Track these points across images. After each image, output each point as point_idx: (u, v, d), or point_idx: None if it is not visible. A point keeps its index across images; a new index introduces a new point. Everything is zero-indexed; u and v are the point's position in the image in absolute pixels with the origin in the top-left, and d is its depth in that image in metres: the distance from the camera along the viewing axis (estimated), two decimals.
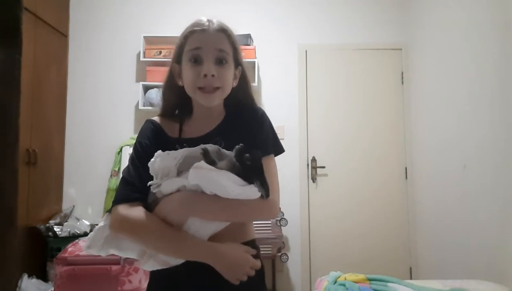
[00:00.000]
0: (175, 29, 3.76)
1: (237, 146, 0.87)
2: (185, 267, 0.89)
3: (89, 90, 3.39)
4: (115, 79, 3.40)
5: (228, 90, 0.99)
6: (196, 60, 0.95)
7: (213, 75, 0.94)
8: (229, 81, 0.99)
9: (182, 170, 0.88)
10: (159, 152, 0.89)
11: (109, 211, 0.93)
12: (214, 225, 0.89)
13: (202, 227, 0.88)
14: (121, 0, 3.48)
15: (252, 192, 0.86)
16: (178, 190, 0.88)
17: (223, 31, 0.98)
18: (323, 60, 3.45)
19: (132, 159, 0.96)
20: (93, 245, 0.92)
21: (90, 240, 0.93)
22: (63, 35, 3.33)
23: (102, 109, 3.37)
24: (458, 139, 2.50)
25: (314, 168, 3.32)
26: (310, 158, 3.34)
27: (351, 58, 3.43)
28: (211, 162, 0.84)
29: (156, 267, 0.90)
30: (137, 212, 0.88)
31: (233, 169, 0.86)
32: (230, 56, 0.98)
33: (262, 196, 0.87)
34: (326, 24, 3.47)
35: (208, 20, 0.98)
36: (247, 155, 0.86)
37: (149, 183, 0.90)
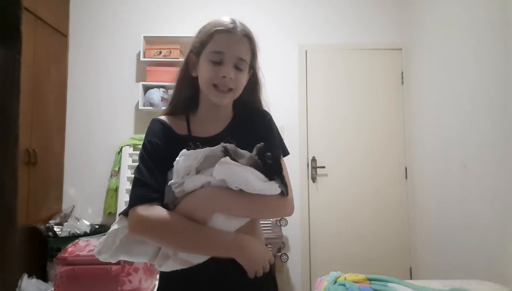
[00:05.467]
0: (175, 29, 3.74)
1: (258, 145, 0.90)
2: (202, 264, 0.89)
3: (89, 90, 3.39)
4: (115, 79, 3.40)
5: (239, 93, 1.02)
6: (217, 60, 0.97)
7: (231, 78, 0.97)
8: (243, 85, 1.02)
9: (200, 169, 0.89)
10: (184, 150, 0.90)
11: (123, 214, 0.92)
12: (236, 222, 0.90)
13: (226, 224, 0.89)
14: (121, 0, 3.48)
15: (274, 188, 0.89)
16: (202, 187, 0.88)
17: (247, 37, 1.00)
18: (323, 60, 3.45)
19: (143, 159, 0.94)
20: (104, 250, 0.91)
21: (102, 244, 0.91)
22: (63, 35, 3.33)
23: (102, 109, 3.37)
24: (458, 139, 2.50)
25: (314, 168, 3.32)
26: (310, 158, 3.34)
27: (351, 58, 3.43)
28: (233, 160, 0.86)
29: (176, 267, 0.89)
30: (158, 211, 0.88)
31: (255, 166, 0.88)
32: (247, 63, 1.01)
33: (282, 193, 0.91)
34: (326, 24, 3.47)
35: (233, 22, 0.99)
36: (268, 153, 0.89)
37: (171, 181, 0.89)
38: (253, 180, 0.86)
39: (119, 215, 0.94)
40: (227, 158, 0.85)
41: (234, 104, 1.07)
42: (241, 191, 0.87)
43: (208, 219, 0.87)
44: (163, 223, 0.86)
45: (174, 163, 0.89)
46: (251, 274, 0.90)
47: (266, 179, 0.89)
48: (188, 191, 0.88)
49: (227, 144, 0.89)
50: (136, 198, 0.89)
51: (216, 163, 0.86)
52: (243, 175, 0.86)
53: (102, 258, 0.91)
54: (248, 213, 0.91)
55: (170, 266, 0.89)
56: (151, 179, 0.91)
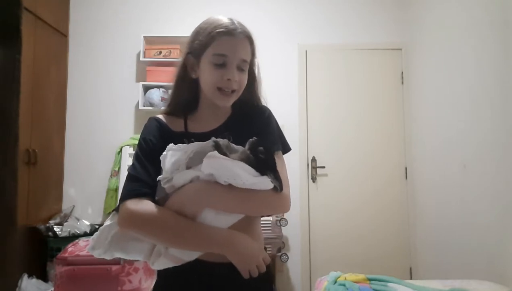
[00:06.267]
0: (175, 29, 3.74)
1: (250, 139, 0.89)
2: (196, 265, 0.88)
3: (89, 90, 3.39)
4: (115, 79, 3.40)
5: (241, 92, 1.02)
6: (221, 63, 0.96)
7: (235, 81, 0.97)
8: (244, 85, 1.02)
9: (191, 165, 0.87)
10: (171, 145, 0.89)
11: (115, 209, 0.92)
12: (228, 218, 0.88)
13: (217, 219, 0.87)
14: (121, 0, 3.48)
15: (266, 182, 0.87)
16: (191, 181, 0.87)
17: (249, 38, 1.00)
18: (323, 60, 3.45)
19: (137, 155, 0.95)
20: (97, 245, 0.90)
21: (95, 240, 0.91)
22: (63, 35, 3.33)
23: (102, 109, 3.37)
24: (458, 139, 2.50)
25: (314, 168, 3.32)
26: (310, 158, 3.34)
27: (351, 58, 3.43)
28: (223, 154, 0.85)
29: (168, 264, 0.87)
30: (147, 205, 0.87)
31: (247, 161, 0.86)
32: (248, 63, 1.01)
33: (275, 188, 0.89)
34: (326, 24, 3.47)
35: (233, 22, 0.98)
36: (261, 148, 0.87)
37: (159, 177, 0.88)
38: (242, 174, 0.84)
39: (112, 211, 0.93)
40: (215, 151, 0.83)
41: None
42: (230, 186, 0.85)
43: (197, 214, 0.86)
44: (151, 217, 0.85)
45: (161, 157, 0.88)
46: (245, 273, 0.88)
47: (257, 173, 0.87)
48: (178, 186, 0.87)
49: (219, 139, 0.87)
50: (126, 192, 0.89)
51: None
52: (232, 169, 0.84)
53: (96, 253, 0.90)
54: (238, 208, 0.88)
55: (162, 264, 0.88)
56: (144, 174, 0.91)
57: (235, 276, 0.88)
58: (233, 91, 0.98)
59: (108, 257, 0.91)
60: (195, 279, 0.90)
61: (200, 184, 0.86)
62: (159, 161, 0.90)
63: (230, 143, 0.89)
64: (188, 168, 0.87)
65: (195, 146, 0.88)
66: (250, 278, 0.88)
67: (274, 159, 0.90)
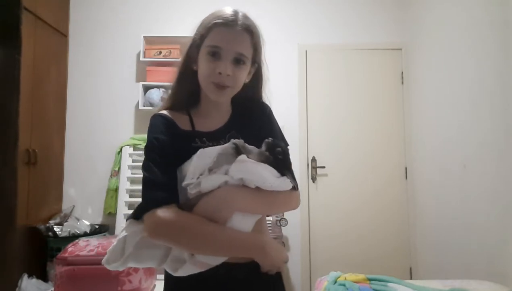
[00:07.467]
0: (175, 29, 3.73)
1: (266, 140, 0.90)
2: (216, 267, 0.87)
3: (89, 90, 3.39)
4: (115, 79, 3.40)
5: (238, 89, 0.99)
6: (214, 55, 0.93)
7: (228, 75, 0.93)
8: (242, 81, 0.98)
9: (212, 168, 0.87)
10: (201, 150, 0.88)
11: (133, 218, 0.89)
12: (252, 219, 0.90)
13: (244, 221, 0.87)
14: (121, 0, 3.48)
15: (286, 183, 0.90)
16: (218, 186, 0.86)
17: (248, 31, 0.95)
18: (323, 60, 3.45)
19: (152, 157, 0.89)
20: (113, 258, 0.87)
21: (110, 253, 0.88)
22: (63, 35, 3.33)
23: (102, 109, 3.37)
24: (458, 139, 2.50)
25: (314, 168, 3.32)
26: (310, 158, 3.34)
27: (351, 58, 3.43)
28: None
29: (194, 271, 0.85)
30: (178, 213, 0.84)
31: (267, 162, 0.88)
32: (248, 58, 0.96)
33: (293, 188, 0.92)
34: (326, 24, 3.47)
35: (235, 14, 0.94)
36: (279, 149, 0.90)
37: (185, 183, 0.86)
38: (268, 177, 0.87)
39: (127, 220, 0.90)
40: (244, 156, 0.85)
41: (233, 97, 1.03)
42: (257, 188, 0.86)
43: (228, 219, 0.85)
44: (186, 226, 0.83)
45: (188, 162, 0.87)
46: (270, 272, 0.91)
47: (278, 174, 0.90)
48: (205, 191, 0.85)
49: (237, 141, 0.88)
50: (153, 200, 0.85)
51: (227, 160, 0.85)
52: (260, 172, 0.86)
53: (112, 267, 0.87)
54: (265, 210, 0.92)
55: (187, 270, 0.85)
56: (165, 178, 0.87)
57: (253, 276, 0.90)
58: (227, 86, 0.94)
59: (121, 268, 0.88)
60: (215, 282, 0.89)
61: (231, 189, 0.85)
62: (174, 161, 0.89)
63: (245, 143, 0.89)
64: (210, 171, 0.87)
65: (218, 149, 0.88)
66: (267, 277, 0.91)
67: (289, 159, 0.94)
